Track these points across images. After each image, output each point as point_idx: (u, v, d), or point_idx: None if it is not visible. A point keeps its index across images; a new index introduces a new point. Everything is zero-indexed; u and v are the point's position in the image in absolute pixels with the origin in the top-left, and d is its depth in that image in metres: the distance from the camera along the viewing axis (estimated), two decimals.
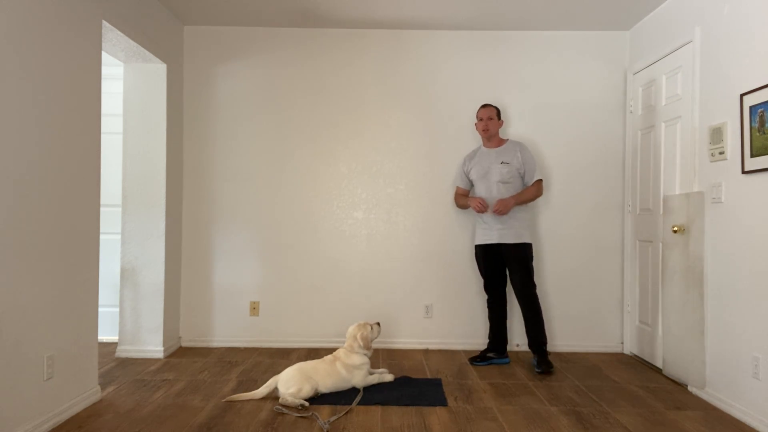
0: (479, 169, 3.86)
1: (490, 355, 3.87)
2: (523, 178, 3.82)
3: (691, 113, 3.39)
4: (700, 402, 3.12)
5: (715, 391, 3.08)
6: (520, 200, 3.73)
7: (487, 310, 4.00)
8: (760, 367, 2.72)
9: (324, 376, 3.10)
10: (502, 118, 4.13)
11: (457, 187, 4.07)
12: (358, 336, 3.27)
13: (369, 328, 3.35)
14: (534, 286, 3.78)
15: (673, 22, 3.62)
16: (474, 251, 3.99)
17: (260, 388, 3.07)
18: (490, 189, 3.80)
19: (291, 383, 2.99)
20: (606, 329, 4.29)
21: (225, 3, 3.86)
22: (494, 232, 3.76)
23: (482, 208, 3.73)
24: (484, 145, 3.94)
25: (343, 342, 3.39)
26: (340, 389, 3.16)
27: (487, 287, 3.93)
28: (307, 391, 2.97)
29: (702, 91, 3.28)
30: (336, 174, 4.34)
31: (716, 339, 3.09)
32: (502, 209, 3.66)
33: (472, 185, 4.01)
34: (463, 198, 3.99)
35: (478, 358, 3.86)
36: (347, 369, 3.19)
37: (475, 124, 3.96)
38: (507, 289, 3.94)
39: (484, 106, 3.91)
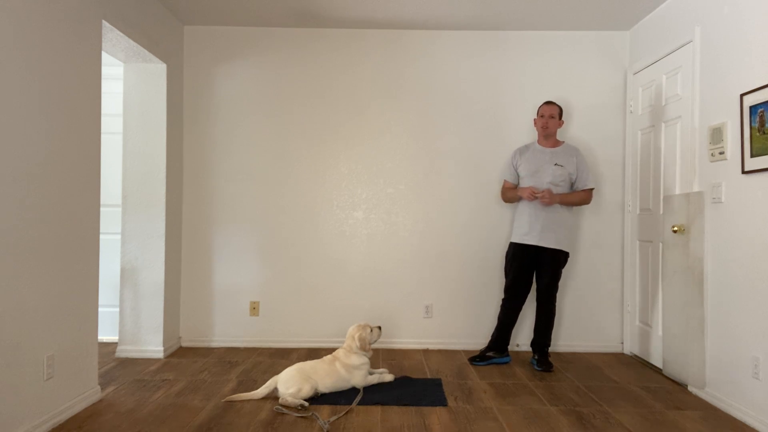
0: (530, 165, 3.78)
1: (490, 354, 3.85)
2: (573, 183, 3.77)
3: (691, 113, 3.39)
4: (700, 402, 3.12)
5: (715, 391, 3.08)
6: (565, 200, 3.69)
7: (500, 309, 3.88)
8: (760, 367, 2.72)
9: (323, 376, 3.10)
10: (563, 118, 3.92)
11: (505, 181, 3.97)
12: (356, 337, 3.28)
13: (368, 330, 3.35)
14: (557, 290, 3.79)
15: (673, 22, 3.62)
16: (507, 249, 3.88)
17: (260, 389, 3.07)
18: (538, 188, 3.70)
19: (290, 383, 2.99)
20: (606, 329, 4.29)
21: (225, 3, 3.86)
22: (535, 233, 3.69)
23: (533, 196, 3.65)
24: (539, 143, 3.86)
25: (343, 342, 3.40)
26: (339, 389, 3.16)
27: (511, 288, 3.81)
28: (307, 391, 2.97)
29: (702, 91, 3.28)
30: (336, 174, 4.34)
31: (716, 339, 3.09)
32: (548, 198, 3.59)
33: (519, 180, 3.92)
34: (511, 191, 3.87)
35: (478, 358, 3.84)
36: (346, 369, 3.19)
37: (534, 120, 3.89)
38: (529, 294, 3.88)
39: (548, 103, 3.80)
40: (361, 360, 3.25)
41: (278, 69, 4.33)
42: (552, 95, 4.29)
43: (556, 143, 3.84)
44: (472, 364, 3.84)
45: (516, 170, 3.90)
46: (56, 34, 2.66)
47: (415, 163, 4.33)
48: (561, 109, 3.84)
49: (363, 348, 3.28)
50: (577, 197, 3.76)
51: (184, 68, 4.32)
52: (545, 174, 3.73)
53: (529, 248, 3.74)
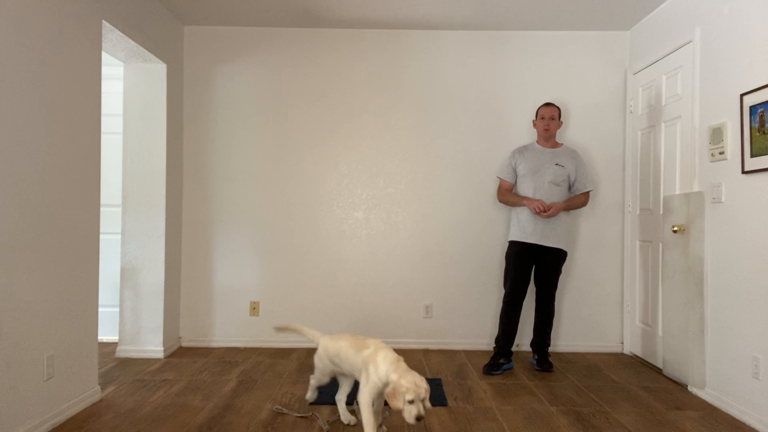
0: (530, 165, 3.74)
1: (502, 361, 3.71)
2: (571, 184, 3.76)
3: (691, 113, 3.39)
4: (700, 402, 3.12)
5: (715, 391, 3.08)
6: (569, 205, 3.72)
7: (502, 313, 3.74)
8: (760, 367, 2.72)
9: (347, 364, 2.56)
10: (561, 118, 3.90)
11: (502, 180, 3.89)
12: (401, 382, 2.24)
13: (406, 396, 2.21)
14: (556, 290, 3.79)
15: (673, 22, 3.62)
16: (507, 248, 3.80)
17: (313, 331, 2.89)
18: (538, 187, 3.68)
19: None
20: (606, 329, 4.29)
21: (225, 3, 3.86)
22: (537, 233, 3.66)
23: (541, 211, 3.56)
24: (539, 143, 3.83)
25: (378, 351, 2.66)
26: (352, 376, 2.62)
27: (514, 290, 3.71)
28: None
29: (702, 91, 3.28)
30: (336, 174, 4.34)
31: (716, 339, 3.09)
32: (553, 212, 3.59)
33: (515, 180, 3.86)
34: (514, 196, 3.75)
35: (494, 367, 3.65)
36: (366, 363, 2.42)
37: (533, 122, 3.85)
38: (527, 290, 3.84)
39: (547, 104, 3.78)
40: (375, 381, 2.37)
41: (278, 69, 4.33)
42: (552, 95, 4.29)
43: (556, 144, 3.83)
44: (490, 374, 3.62)
45: (515, 170, 3.86)
46: (56, 35, 2.66)
47: (415, 162, 4.33)
48: (560, 110, 3.84)
49: (391, 395, 2.24)
50: (578, 201, 3.78)
51: (184, 68, 4.32)
52: (546, 173, 3.70)
53: (530, 247, 3.71)
